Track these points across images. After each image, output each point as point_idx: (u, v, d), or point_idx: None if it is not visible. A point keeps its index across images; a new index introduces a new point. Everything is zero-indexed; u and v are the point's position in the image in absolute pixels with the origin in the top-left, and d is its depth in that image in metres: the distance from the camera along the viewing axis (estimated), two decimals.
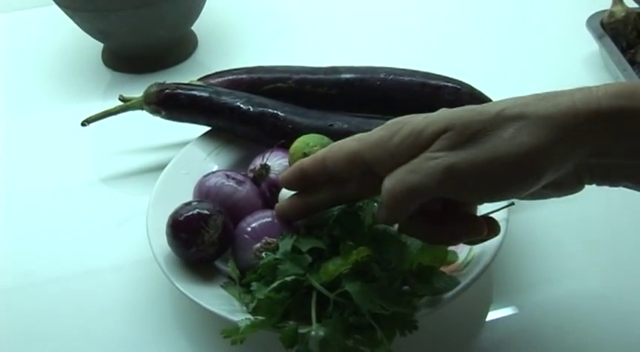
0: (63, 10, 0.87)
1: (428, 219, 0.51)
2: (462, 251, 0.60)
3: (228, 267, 0.59)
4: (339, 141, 0.54)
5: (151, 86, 0.74)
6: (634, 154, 0.46)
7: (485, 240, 0.54)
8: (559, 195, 0.52)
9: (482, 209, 0.62)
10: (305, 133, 0.66)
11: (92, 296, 0.65)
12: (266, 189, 0.65)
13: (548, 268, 0.64)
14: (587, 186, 0.54)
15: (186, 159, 0.70)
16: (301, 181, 0.56)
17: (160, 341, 0.61)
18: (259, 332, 0.53)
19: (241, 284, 0.58)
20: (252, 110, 0.71)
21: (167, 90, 0.73)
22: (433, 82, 0.71)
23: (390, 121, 0.51)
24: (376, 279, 0.53)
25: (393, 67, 0.73)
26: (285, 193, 0.62)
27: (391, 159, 0.49)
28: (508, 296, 0.63)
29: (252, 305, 0.54)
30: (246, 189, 0.64)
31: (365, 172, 0.52)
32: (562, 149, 0.45)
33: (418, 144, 0.48)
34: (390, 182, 0.49)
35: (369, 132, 0.52)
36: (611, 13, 0.83)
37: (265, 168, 0.66)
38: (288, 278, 0.53)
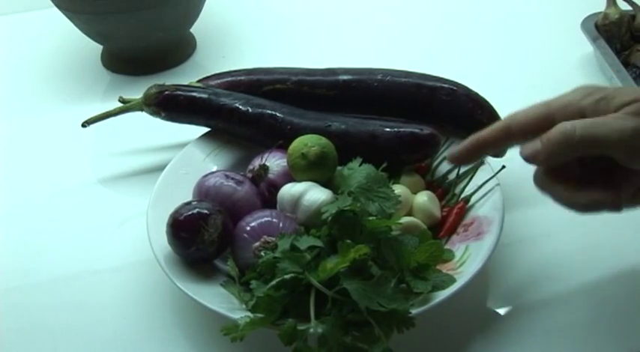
0: (62, 12, 0.88)
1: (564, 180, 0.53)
2: (458, 249, 0.61)
3: (228, 266, 0.60)
4: (521, 110, 0.56)
5: (151, 88, 0.75)
6: None
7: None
8: None
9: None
10: (303, 134, 0.66)
11: (94, 295, 0.66)
12: (265, 189, 0.66)
13: (544, 266, 0.65)
14: None
15: (186, 159, 0.71)
16: (478, 153, 0.59)
17: (161, 339, 0.62)
18: (259, 329, 0.54)
19: (241, 282, 0.59)
20: (250, 111, 0.71)
21: (166, 92, 0.74)
22: (429, 83, 0.72)
23: (577, 87, 0.54)
24: (374, 277, 0.54)
25: (390, 68, 0.74)
26: (285, 192, 0.63)
27: (581, 117, 0.52)
28: (504, 293, 0.63)
29: (251, 303, 0.55)
30: (245, 189, 0.65)
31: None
32: None
33: (608, 109, 0.51)
34: (572, 124, 0.51)
35: (555, 98, 0.55)
36: (605, 15, 0.84)
37: (264, 168, 0.67)
38: (287, 277, 0.54)
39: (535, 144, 0.52)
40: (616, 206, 0.52)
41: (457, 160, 0.60)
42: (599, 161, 0.53)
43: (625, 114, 0.51)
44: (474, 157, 0.60)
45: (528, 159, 0.53)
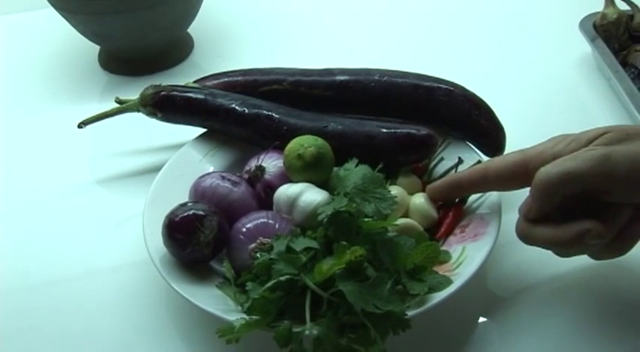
0: (59, 12, 0.88)
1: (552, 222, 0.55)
2: (455, 251, 0.61)
3: (224, 267, 0.59)
4: (500, 156, 0.62)
5: (147, 88, 0.75)
6: None
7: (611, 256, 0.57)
8: None
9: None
10: (300, 135, 0.66)
11: (90, 296, 0.66)
12: (261, 190, 0.66)
13: (541, 267, 0.65)
14: None
15: (182, 160, 0.71)
16: (453, 193, 0.63)
17: (156, 340, 0.62)
18: (254, 331, 0.54)
19: (236, 284, 0.58)
20: (247, 112, 0.71)
21: (163, 93, 0.74)
22: (426, 83, 0.72)
23: (551, 137, 0.58)
24: (369, 279, 0.54)
25: (387, 68, 0.74)
26: (281, 193, 0.63)
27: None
28: (501, 295, 0.63)
29: (246, 305, 0.55)
30: (241, 190, 0.64)
31: (523, 183, 0.57)
32: None
33: (579, 148, 0.54)
34: (545, 168, 0.54)
35: (530, 147, 0.58)
36: (604, 15, 0.84)
37: (260, 169, 0.66)
38: (283, 278, 0.54)
39: (527, 200, 0.56)
40: (603, 234, 0.53)
41: (435, 197, 0.64)
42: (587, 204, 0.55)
43: (593, 146, 0.54)
44: (451, 196, 0.64)
45: (526, 215, 0.56)
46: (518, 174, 0.58)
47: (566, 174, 0.52)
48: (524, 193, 0.57)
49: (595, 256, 0.58)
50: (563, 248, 0.56)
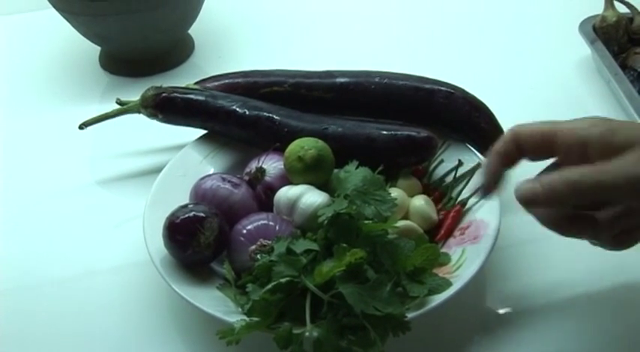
0: (60, 13, 0.88)
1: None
2: (455, 253, 0.61)
3: (224, 269, 0.60)
4: (532, 123, 0.55)
5: (148, 90, 0.75)
6: None
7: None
8: None
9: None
10: (300, 137, 0.66)
11: (90, 297, 0.66)
12: (261, 191, 0.66)
13: (540, 269, 0.65)
14: None
15: (183, 162, 0.71)
16: (500, 166, 0.55)
17: (157, 341, 0.62)
18: (254, 333, 0.54)
19: (237, 285, 0.59)
20: (248, 114, 0.71)
21: (164, 94, 0.74)
22: (427, 85, 0.72)
23: (587, 117, 0.53)
24: (369, 281, 0.54)
25: (388, 71, 0.74)
26: (282, 195, 0.63)
27: (580, 147, 0.51)
28: (501, 297, 0.64)
29: (247, 307, 0.55)
30: (241, 192, 0.65)
31: (543, 154, 0.54)
32: None
33: (611, 147, 0.50)
34: (578, 172, 0.50)
35: (563, 121, 0.54)
36: (603, 18, 0.84)
37: (261, 171, 0.67)
38: (283, 280, 0.54)
39: (534, 188, 0.51)
40: (608, 230, 0.52)
41: (488, 184, 0.55)
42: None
43: (630, 160, 0.49)
44: (500, 172, 0.55)
45: (527, 203, 0.52)
46: (541, 145, 0.53)
47: (599, 187, 0.49)
48: None
49: (595, 243, 0.56)
50: (565, 232, 0.54)
